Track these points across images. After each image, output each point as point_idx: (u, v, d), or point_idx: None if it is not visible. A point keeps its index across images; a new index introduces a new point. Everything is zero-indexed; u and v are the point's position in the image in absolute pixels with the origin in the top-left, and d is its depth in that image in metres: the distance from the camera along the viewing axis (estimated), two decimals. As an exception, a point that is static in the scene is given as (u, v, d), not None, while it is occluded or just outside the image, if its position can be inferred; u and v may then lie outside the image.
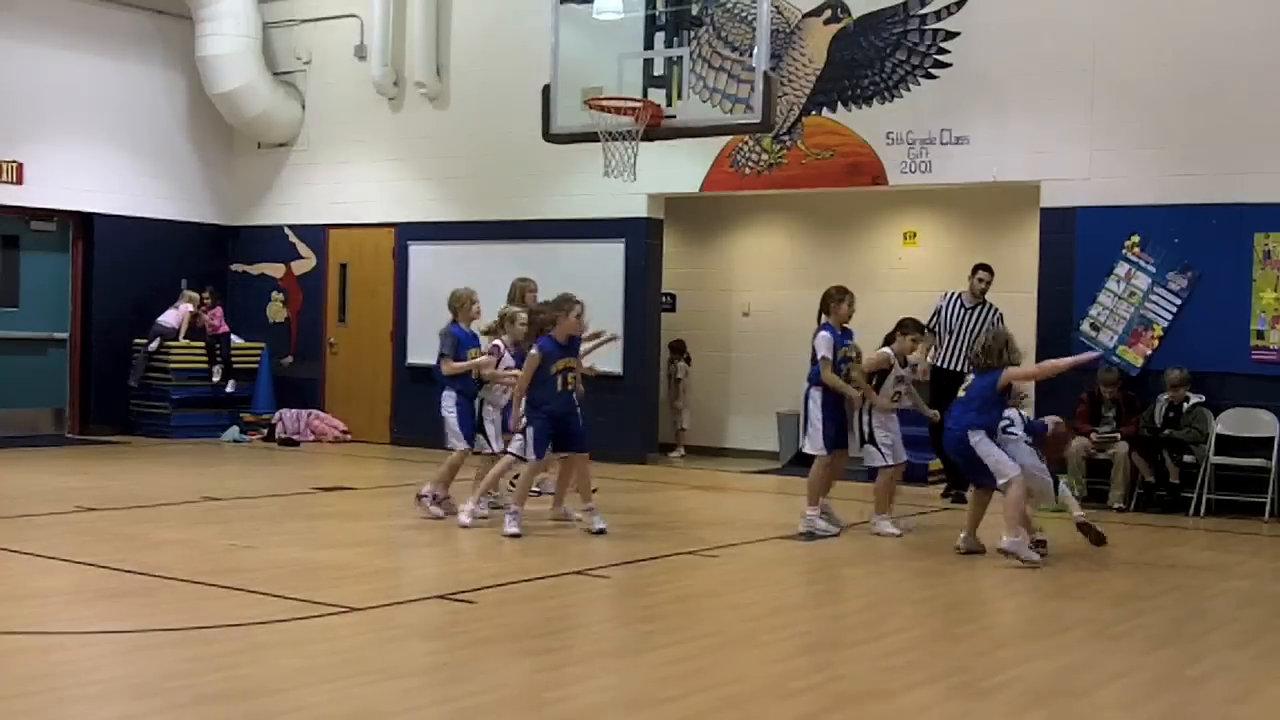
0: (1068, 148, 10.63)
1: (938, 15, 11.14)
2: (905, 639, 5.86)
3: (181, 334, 13.96)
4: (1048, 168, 10.71)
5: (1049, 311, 10.75)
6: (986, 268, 10.69)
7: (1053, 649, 5.60)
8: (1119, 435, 10.05)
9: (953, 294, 10.71)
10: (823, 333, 8.36)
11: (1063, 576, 7.59)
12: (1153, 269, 10.31)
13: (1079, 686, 4.99)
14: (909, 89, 11.27)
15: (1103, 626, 6.04)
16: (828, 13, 11.63)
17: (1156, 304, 10.30)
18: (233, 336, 14.33)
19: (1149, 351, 10.31)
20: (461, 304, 8.77)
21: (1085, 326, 10.56)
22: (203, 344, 14.05)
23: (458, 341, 8.62)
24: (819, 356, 8.30)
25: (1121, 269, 10.42)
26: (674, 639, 5.66)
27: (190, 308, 14.01)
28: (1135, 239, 10.37)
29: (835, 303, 8.42)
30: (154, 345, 13.80)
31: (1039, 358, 10.82)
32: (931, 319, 10.49)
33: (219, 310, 14.24)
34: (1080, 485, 10.16)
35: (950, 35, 11.09)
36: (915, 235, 12.80)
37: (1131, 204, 10.38)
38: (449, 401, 8.57)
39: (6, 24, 13.26)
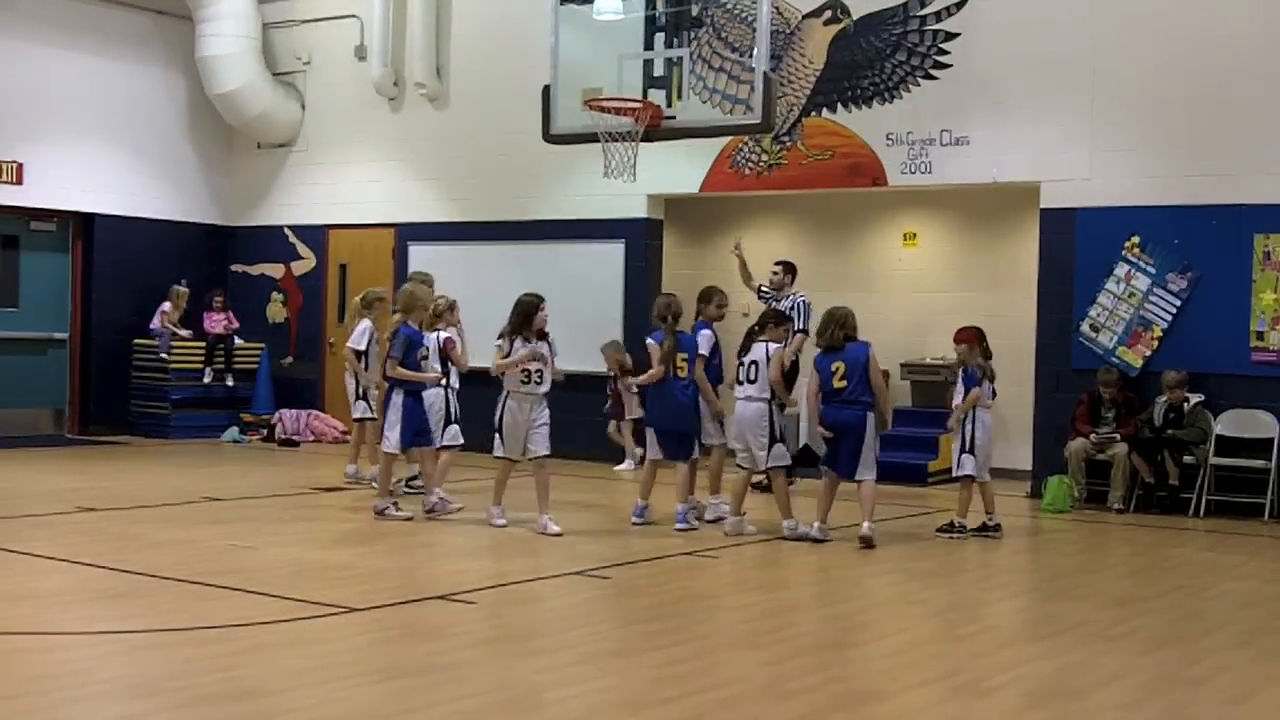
0: (1068, 148, 10.63)
1: (938, 16, 11.15)
2: (904, 640, 5.86)
3: (175, 328, 13.98)
4: (1047, 168, 10.72)
5: (1049, 312, 10.76)
6: (780, 262, 10.70)
7: (1052, 650, 5.60)
8: (1118, 436, 10.05)
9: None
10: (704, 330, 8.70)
11: (1062, 577, 7.60)
12: (1152, 270, 10.31)
13: (1079, 687, 4.99)
14: (909, 90, 11.27)
15: (1102, 627, 6.04)
16: (828, 13, 11.63)
17: (1156, 305, 10.30)
18: (234, 338, 14.35)
19: (1149, 352, 10.31)
20: (418, 304, 8.70)
21: (1085, 327, 10.56)
22: (203, 344, 14.08)
23: (410, 342, 8.55)
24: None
25: (1121, 270, 10.42)
26: (673, 640, 5.66)
27: (169, 305, 13.98)
28: (1135, 240, 10.38)
29: (705, 302, 8.82)
30: (166, 353, 13.83)
31: (1039, 359, 10.87)
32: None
33: (230, 313, 14.29)
34: (1080, 486, 10.18)
35: (950, 36, 11.09)
36: (915, 236, 12.81)
37: (1131, 205, 10.38)
38: (397, 401, 8.50)
39: (6, 24, 13.26)
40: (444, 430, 8.83)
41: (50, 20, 13.58)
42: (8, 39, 13.26)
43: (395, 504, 8.68)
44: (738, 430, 8.25)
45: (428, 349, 8.72)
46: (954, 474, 8.66)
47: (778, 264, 10.75)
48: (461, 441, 8.95)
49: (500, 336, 8.21)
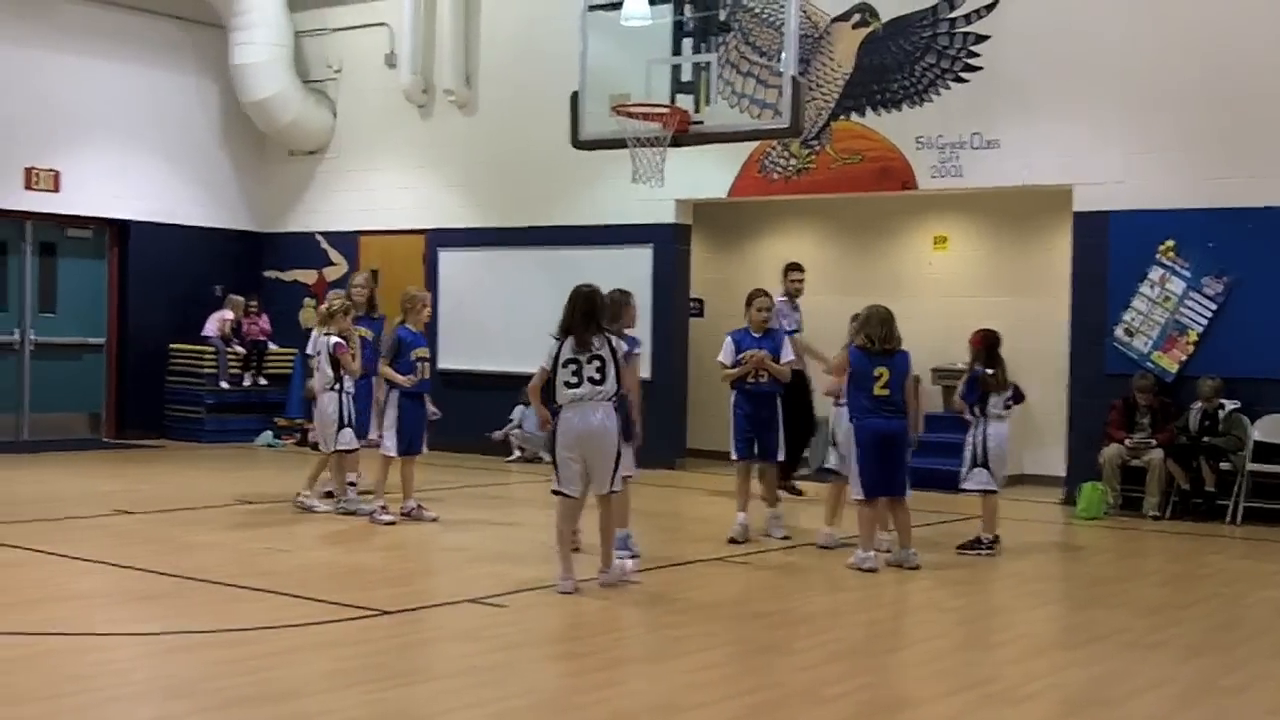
0: (1100, 151, 10.55)
1: (967, 19, 11.09)
2: (937, 647, 5.83)
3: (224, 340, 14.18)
4: (1079, 171, 10.64)
5: (1082, 317, 10.67)
6: (799, 267, 10.54)
7: (1086, 658, 5.56)
8: (1154, 442, 9.96)
9: (778, 299, 10.18)
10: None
11: (1096, 585, 7.53)
12: (1187, 273, 10.21)
13: (1113, 696, 4.95)
14: (939, 93, 11.22)
15: (1137, 635, 5.99)
16: (856, 17, 11.60)
17: (1191, 309, 10.19)
18: (268, 343, 14.49)
19: (1184, 357, 10.20)
20: (413, 305, 8.70)
21: (1119, 332, 10.47)
22: (243, 350, 14.24)
23: (400, 343, 8.55)
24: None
25: (1155, 274, 10.33)
26: (704, 645, 5.65)
27: (230, 314, 14.20)
28: (1169, 243, 10.27)
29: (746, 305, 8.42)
30: (227, 377, 14.00)
31: (1072, 365, 10.77)
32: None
33: (265, 318, 14.43)
34: (1114, 493, 10.08)
35: (980, 38, 11.04)
36: (946, 240, 12.74)
37: (1165, 208, 10.28)
38: (393, 403, 8.53)
39: (42, 34, 13.44)
40: (338, 434, 8.82)
41: (85, 30, 13.74)
42: (43, 49, 13.43)
43: (420, 505, 8.74)
44: None
45: (425, 350, 8.71)
46: (961, 486, 8.20)
47: (793, 268, 10.50)
48: (356, 445, 8.91)
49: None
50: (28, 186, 13.30)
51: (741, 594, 6.97)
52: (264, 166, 15.29)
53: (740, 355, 8.19)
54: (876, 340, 7.44)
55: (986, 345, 8.11)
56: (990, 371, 8.05)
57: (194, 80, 14.64)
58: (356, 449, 8.95)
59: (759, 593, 7.05)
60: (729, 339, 8.37)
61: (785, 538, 8.29)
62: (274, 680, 4.89)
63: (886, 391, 7.40)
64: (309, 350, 9.84)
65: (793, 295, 10.40)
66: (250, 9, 14.03)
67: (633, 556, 7.37)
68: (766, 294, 8.47)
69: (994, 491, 8.06)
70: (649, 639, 5.88)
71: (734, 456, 8.35)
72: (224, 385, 14.02)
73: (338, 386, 8.80)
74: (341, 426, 8.82)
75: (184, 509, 9.12)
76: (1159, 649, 5.73)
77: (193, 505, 9.29)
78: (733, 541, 8.05)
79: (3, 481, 10.60)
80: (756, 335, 8.26)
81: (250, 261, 15.17)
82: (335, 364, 8.81)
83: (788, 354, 8.25)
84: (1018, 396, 8.27)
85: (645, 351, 12.05)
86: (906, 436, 7.57)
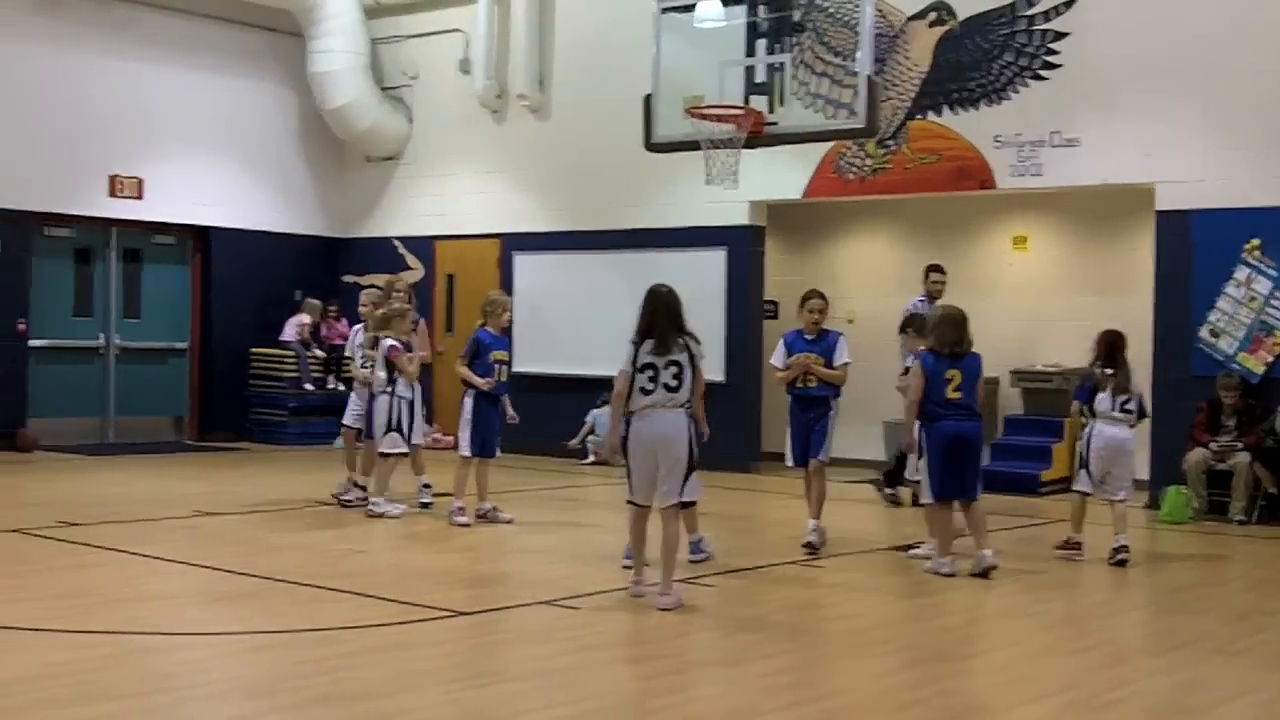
0: (1182, 148, 10.31)
1: (1046, 16, 10.91)
2: (1017, 653, 5.73)
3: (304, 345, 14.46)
4: (1162, 169, 10.40)
5: (1166, 317, 10.43)
6: (940, 269, 10.45)
7: (1171, 665, 5.44)
8: (1240, 445, 9.70)
9: (917, 299, 10.27)
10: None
11: (1181, 591, 7.36)
12: (1274, 273, 9.93)
13: (1198, 704, 4.83)
14: (1017, 91, 11.05)
15: (1223, 643, 5.84)
16: (932, 15, 11.47)
17: (1278, 309, 9.91)
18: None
19: (1270, 358, 9.93)
20: (494, 308, 8.76)
21: (1204, 333, 10.21)
22: (322, 354, 14.52)
23: (479, 345, 8.63)
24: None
25: (1241, 273, 10.06)
26: (778, 650, 5.62)
27: (308, 319, 14.46)
28: (1255, 242, 10.00)
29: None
30: (310, 379, 14.29)
31: (1156, 366, 10.52)
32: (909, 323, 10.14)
33: (344, 322, 14.70)
34: (1199, 497, 9.84)
35: (1060, 35, 10.84)
36: (1025, 240, 12.54)
37: (1250, 206, 10.02)
38: (468, 405, 8.61)
39: (125, 43, 13.79)
40: (384, 437, 8.90)
41: (167, 39, 14.08)
42: (127, 59, 13.79)
43: (495, 508, 8.81)
44: None
45: (504, 353, 8.77)
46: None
47: (935, 270, 10.43)
48: (403, 449, 8.96)
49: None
50: (112, 194, 13.68)
51: (816, 599, 6.93)
52: (342, 173, 15.54)
53: (789, 359, 7.99)
54: (947, 344, 7.36)
55: (1106, 345, 7.96)
56: (1110, 371, 7.86)
57: (273, 88, 14.93)
58: (400, 453, 8.99)
59: (834, 597, 6.99)
60: (780, 342, 8.15)
61: (809, 545, 7.89)
62: (353, 680, 4.97)
63: (959, 395, 7.31)
64: (347, 352, 9.96)
65: (933, 296, 10.27)
66: (328, 18, 14.29)
67: (705, 559, 7.38)
68: (819, 295, 8.06)
69: (1087, 494, 7.90)
70: (722, 643, 5.86)
71: (789, 462, 8.20)
72: (308, 387, 14.29)
73: (391, 389, 8.91)
74: (388, 430, 8.92)
75: (265, 510, 9.30)
76: (1245, 656, 5.58)
77: (273, 507, 9.47)
78: (807, 546, 7.99)
79: (89, 483, 10.92)
80: (809, 338, 7.96)
81: (329, 266, 15.43)
82: (390, 367, 8.92)
83: (842, 356, 7.93)
84: (1140, 410, 8.01)
85: (718, 354, 12.13)
86: (980, 439, 7.46)
